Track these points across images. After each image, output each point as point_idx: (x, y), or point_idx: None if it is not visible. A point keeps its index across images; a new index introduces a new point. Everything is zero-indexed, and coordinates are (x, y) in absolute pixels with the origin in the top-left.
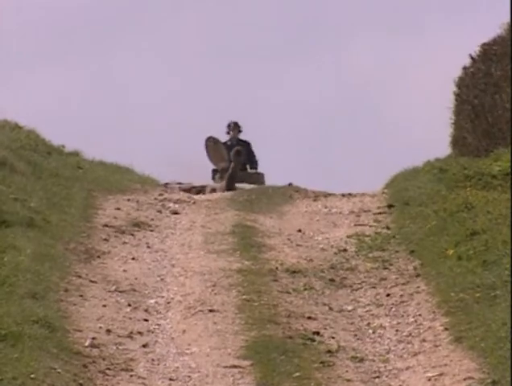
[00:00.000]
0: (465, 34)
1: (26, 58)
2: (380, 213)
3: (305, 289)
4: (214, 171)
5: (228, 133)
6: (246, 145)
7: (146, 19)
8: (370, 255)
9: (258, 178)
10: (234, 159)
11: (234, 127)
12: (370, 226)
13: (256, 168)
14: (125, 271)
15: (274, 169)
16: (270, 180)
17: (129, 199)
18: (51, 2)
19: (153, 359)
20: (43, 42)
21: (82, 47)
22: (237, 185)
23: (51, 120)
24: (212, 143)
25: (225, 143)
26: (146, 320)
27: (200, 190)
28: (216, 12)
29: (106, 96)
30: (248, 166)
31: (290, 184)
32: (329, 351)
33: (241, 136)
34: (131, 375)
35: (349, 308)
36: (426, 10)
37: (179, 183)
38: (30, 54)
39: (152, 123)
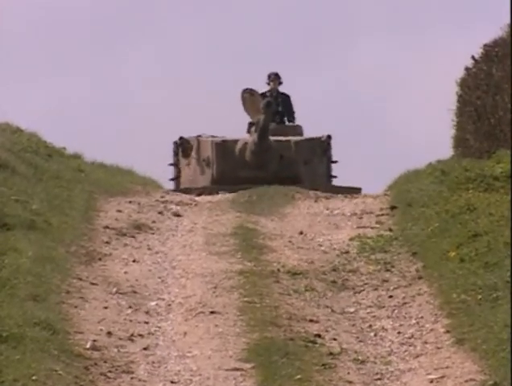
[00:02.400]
0: (467, 36)
1: (27, 61)
2: (382, 215)
3: (307, 291)
4: (250, 124)
5: (268, 84)
6: (286, 97)
7: (146, 21)
8: (372, 257)
9: (296, 131)
10: (265, 111)
11: (274, 78)
12: (372, 228)
13: (293, 121)
14: (126, 273)
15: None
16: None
17: (130, 201)
18: (51, 3)
19: (154, 362)
20: (43, 44)
21: (83, 49)
22: (273, 138)
23: (53, 122)
24: (248, 95)
25: (263, 94)
26: (146, 322)
27: (202, 191)
28: (217, 15)
29: (107, 98)
30: (286, 119)
31: (329, 136)
32: (331, 354)
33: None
34: (132, 378)
35: (351, 310)
36: (427, 11)
37: (213, 136)
38: (31, 57)
39: (153, 124)
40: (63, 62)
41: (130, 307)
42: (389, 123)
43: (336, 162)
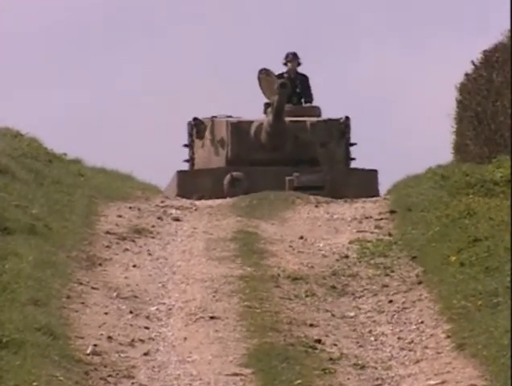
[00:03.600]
0: (468, 41)
1: (28, 66)
2: (382, 219)
3: (307, 296)
4: (266, 105)
5: (285, 64)
6: (304, 78)
7: (147, 28)
8: (372, 261)
9: (314, 112)
10: (279, 92)
11: (293, 58)
12: (372, 232)
13: (311, 102)
14: (126, 278)
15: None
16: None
17: (130, 206)
18: (52, 12)
19: (154, 367)
20: (44, 50)
21: (83, 56)
22: (291, 119)
23: (53, 127)
24: (264, 75)
25: (281, 75)
26: (147, 327)
27: (202, 196)
28: (218, 22)
29: (107, 104)
30: (303, 100)
31: (347, 117)
32: (331, 359)
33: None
34: (133, 383)
35: (351, 315)
36: (428, 17)
37: (229, 116)
38: (31, 62)
39: (152, 129)
40: (64, 67)
41: (131, 312)
42: (389, 127)
43: (354, 144)
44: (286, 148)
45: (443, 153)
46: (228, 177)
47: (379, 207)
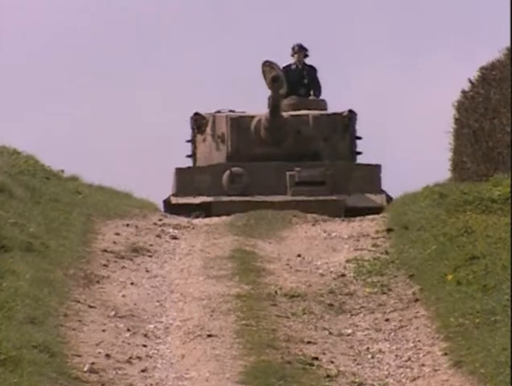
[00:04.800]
0: (465, 59)
1: (25, 84)
2: (379, 237)
3: (304, 314)
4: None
5: (292, 56)
6: (312, 70)
7: (148, 51)
8: (369, 280)
9: (320, 105)
10: (271, 86)
11: (299, 50)
12: (369, 250)
13: (319, 95)
14: (124, 296)
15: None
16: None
17: (128, 224)
18: (50, 27)
19: (152, 384)
20: (42, 70)
21: (82, 75)
22: (292, 112)
23: (50, 144)
24: (268, 68)
25: (288, 67)
26: (145, 345)
27: (200, 214)
28: (221, 45)
29: (107, 121)
30: (311, 93)
31: (350, 111)
32: (328, 376)
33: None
34: None
35: (348, 332)
36: (425, 34)
37: (231, 111)
38: (29, 80)
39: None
40: (62, 87)
41: (128, 330)
42: (386, 144)
43: (360, 138)
44: (287, 143)
45: (440, 170)
46: (227, 173)
47: (376, 225)
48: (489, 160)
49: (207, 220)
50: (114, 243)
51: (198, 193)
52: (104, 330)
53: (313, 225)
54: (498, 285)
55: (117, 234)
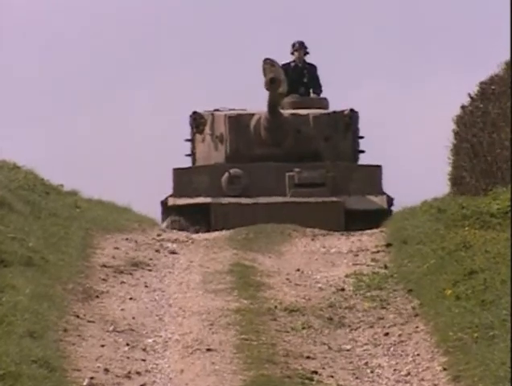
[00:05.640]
0: (464, 73)
1: (26, 99)
2: (378, 252)
3: (303, 329)
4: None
5: (292, 53)
6: (312, 68)
7: (145, 65)
8: (368, 294)
9: (321, 104)
10: (268, 88)
11: (299, 47)
12: (368, 265)
13: (319, 94)
14: (123, 311)
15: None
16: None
17: (127, 239)
18: (51, 42)
19: None
20: (42, 85)
21: (81, 89)
22: (292, 112)
23: (50, 159)
24: (268, 65)
25: (287, 64)
26: (144, 360)
27: (199, 229)
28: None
29: (106, 137)
30: (311, 91)
31: (352, 110)
32: None
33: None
34: None
35: (348, 347)
36: (424, 49)
37: (232, 109)
38: (29, 95)
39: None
40: (61, 101)
41: (127, 344)
42: (386, 159)
43: (362, 137)
44: (287, 143)
45: (439, 185)
46: (226, 175)
47: (375, 239)
48: (488, 175)
49: (206, 235)
50: (113, 257)
51: (196, 194)
52: (103, 345)
53: (312, 240)
54: (497, 300)
55: (117, 248)
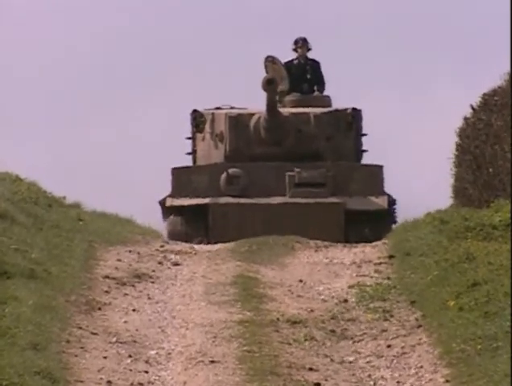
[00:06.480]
0: (467, 85)
1: (27, 111)
2: (381, 263)
3: (306, 340)
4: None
5: (295, 50)
6: (315, 64)
7: (148, 74)
8: (371, 305)
9: (324, 102)
10: (265, 89)
11: (303, 44)
12: (371, 277)
13: (322, 91)
14: (126, 322)
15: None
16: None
17: (130, 251)
18: (53, 57)
19: None
20: (44, 96)
21: (83, 99)
22: (293, 110)
23: (53, 171)
24: (270, 63)
25: (290, 62)
26: (146, 371)
27: (201, 240)
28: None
29: (107, 150)
30: (315, 88)
31: (354, 108)
32: None
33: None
34: None
35: (350, 359)
36: (426, 61)
37: (232, 108)
38: (31, 107)
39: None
40: (63, 113)
41: (130, 356)
42: (388, 172)
43: (365, 135)
44: (287, 142)
45: (442, 197)
46: (224, 175)
47: (378, 251)
48: (491, 187)
49: (209, 246)
50: (116, 269)
51: (195, 194)
52: (106, 357)
53: (315, 251)
54: (500, 312)
55: (119, 260)
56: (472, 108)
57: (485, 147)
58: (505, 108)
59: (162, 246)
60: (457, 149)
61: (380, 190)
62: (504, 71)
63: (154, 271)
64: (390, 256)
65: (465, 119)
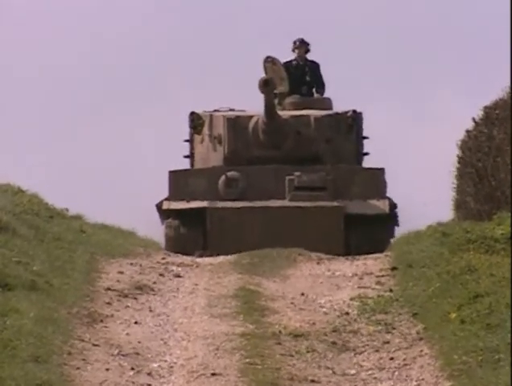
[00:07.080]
0: (469, 98)
1: (28, 122)
2: (383, 276)
3: (308, 353)
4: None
5: (293, 51)
6: (315, 66)
7: (146, 85)
8: (373, 318)
9: (325, 104)
10: (262, 91)
11: (301, 45)
12: (373, 289)
13: (322, 93)
14: (128, 335)
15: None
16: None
17: (132, 263)
18: (53, 70)
19: None
20: (45, 107)
21: (82, 113)
22: (293, 113)
23: (54, 183)
24: (270, 64)
25: (289, 62)
26: (149, 384)
27: (203, 253)
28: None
29: (109, 161)
30: (314, 90)
31: (354, 111)
32: None
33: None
34: None
35: (352, 372)
36: (427, 74)
37: (231, 109)
38: (32, 119)
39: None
40: (64, 124)
41: (132, 369)
42: (389, 184)
43: (366, 137)
44: (286, 145)
45: (444, 210)
46: (223, 178)
47: (380, 263)
48: (492, 199)
49: (211, 259)
50: (118, 281)
51: (192, 197)
52: (108, 369)
53: (317, 263)
54: (502, 324)
55: (121, 272)
56: (474, 120)
57: (487, 160)
58: (507, 121)
59: (163, 258)
60: (459, 162)
61: (381, 194)
62: (505, 84)
63: (155, 283)
64: (392, 268)
65: (467, 132)
